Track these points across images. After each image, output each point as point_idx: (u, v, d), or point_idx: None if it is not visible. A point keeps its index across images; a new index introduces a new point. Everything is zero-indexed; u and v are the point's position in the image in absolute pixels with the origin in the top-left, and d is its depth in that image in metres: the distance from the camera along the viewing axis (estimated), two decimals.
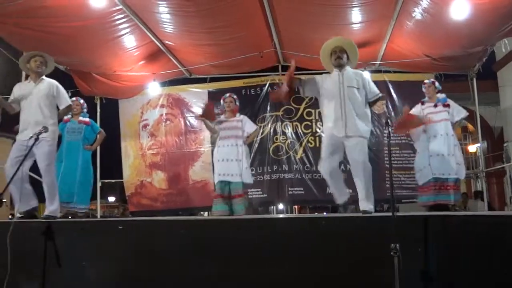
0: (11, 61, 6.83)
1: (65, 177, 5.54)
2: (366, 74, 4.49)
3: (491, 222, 3.12)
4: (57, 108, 4.77)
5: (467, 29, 5.77)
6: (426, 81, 5.71)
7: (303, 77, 4.72)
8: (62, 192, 5.47)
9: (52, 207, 4.51)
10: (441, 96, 5.49)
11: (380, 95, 4.53)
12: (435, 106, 5.38)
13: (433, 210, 5.11)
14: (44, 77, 4.72)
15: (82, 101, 6.08)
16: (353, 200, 4.55)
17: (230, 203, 5.41)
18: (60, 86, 4.74)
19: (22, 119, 4.58)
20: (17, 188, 4.40)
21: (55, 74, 4.98)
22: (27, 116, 4.54)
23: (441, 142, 5.16)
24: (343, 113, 4.21)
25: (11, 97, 4.68)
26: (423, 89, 5.67)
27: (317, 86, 4.46)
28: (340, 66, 4.38)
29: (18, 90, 4.69)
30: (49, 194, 4.55)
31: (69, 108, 4.88)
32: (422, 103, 5.53)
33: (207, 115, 5.60)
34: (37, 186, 5.79)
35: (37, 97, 4.55)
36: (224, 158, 5.39)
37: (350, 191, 4.56)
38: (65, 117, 5.61)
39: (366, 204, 4.14)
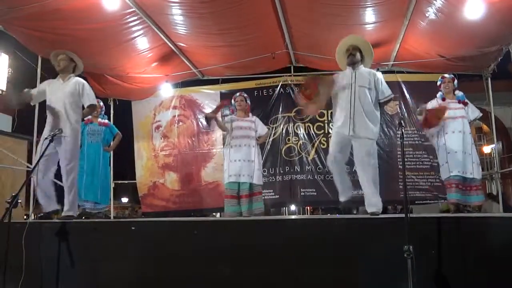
0: (27, 63, 6.93)
1: (89, 177, 5.65)
2: (380, 75, 4.46)
3: (505, 223, 3.08)
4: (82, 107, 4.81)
5: (482, 29, 5.69)
6: (446, 75, 5.47)
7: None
8: (87, 192, 5.58)
9: (70, 208, 4.54)
10: (460, 93, 5.37)
11: (392, 96, 4.50)
12: (456, 102, 5.27)
13: (454, 209, 5.05)
14: (72, 75, 4.76)
15: (101, 103, 6.18)
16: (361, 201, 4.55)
17: (239, 203, 5.38)
18: (87, 85, 4.77)
19: (49, 116, 4.60)
20: (49, 187, 4.50)
21: None
22: (53, 114, 4.56)
23: (459, 139, 5.06)
24: (352, 112, 4.22)
25: (38, 88, 4.74)
26: (439, 83, 5.46)
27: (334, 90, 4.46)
28: (353, 64, 4.38)
29: (45, 85, 4.72)
30: (68, 195, 4.55)
31: (93, 108, 4.89)
32: (443, 100, 5.36)
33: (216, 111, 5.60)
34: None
35: (63, 95, 4.58)
36: (237, 158, 5.35)
37: (361, 191, 4.54)
38: (86, 118, 5.67)
39: (371, 206, 4.13)
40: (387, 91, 4.42)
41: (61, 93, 4.59)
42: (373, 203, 4.12)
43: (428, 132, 5.39)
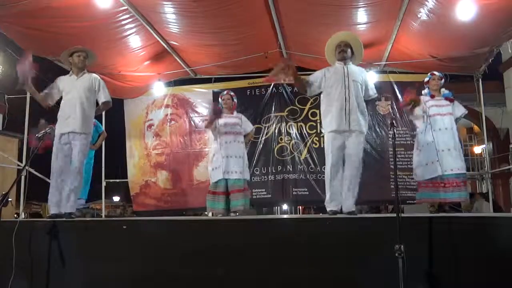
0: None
1: None
2: (368, 74, 4.49)
3: (496, 223, 3.10)
4: (97, 103, 4.78)
5: (473, 30, 5.73)
6: (436, 72, 5.33)
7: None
8: None
9: (72, 204, 4.50)
10: (446, 91, 5.33)
11: (376, 96, 4.60)
12: (443, 99, 5.22)
13: (443, 210, 5.04)
14: (86, 71, 4.73)
15: None
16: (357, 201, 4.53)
17: (228, 200, 5.34)
18: (103, 81, 4.76)
19: (63, 112, 4.56)
20: (60, 187, 4.47)
21: (62, 74, 4.97)
22: (68, 110, 4.53)
23: (448, 136, 5.03)
24: (347, 106, 4.22)
25: (48, 88, 4.65)
26: (427, 79, 5.33)
27: (320, 80, 4.45)
28: (344, 60, 4.40)
29: (59, 82, 4.67)
30: (77, 190, 4.55)
31: (108, 104, 4.86)
32: (432, 96, 5.30)
33: (217, 115, 5.52)
34: (40, 185, 5.78)
35: (79, 91, 4.55)
36: (228, 155, 5.32)
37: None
38: None
39: (352, 205, 4.17)
40: (372, 91, 4.50)
41: (77, 89, 4.57)
42: (352, 203, 4.19)
43: (412, 116, 5.29)
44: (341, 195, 4.30)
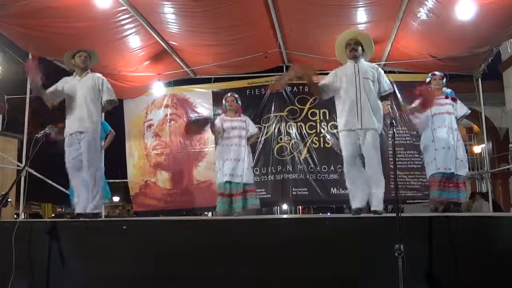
0: (18, 62, 6.87)
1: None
2: (380, 69, 4.43)
3: (496, 223, 3.10)
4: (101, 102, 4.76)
5: (473, 29, 5.74)
6: (436, 73, 5.37)
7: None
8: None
9: (92, 205, 4.51)
10: (448, 90, 5.32)
11: (392, 90, 4.50)
12: (443, 98, 5.22)
13: (442, 207, 5.04)
14: (89, 71, 4.73)
15: None
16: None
17: (231, 202, 5.39)
18: (106, 80, 4.75)
19: (68, 114, 4.57)
20: (80, 187, 4.54)
21: (62, 74, 4.97)
22: (73, 111, 4.54)
23: (445, 134, 5.04)
24: (358, 105, 4.15)
25: (53, 87, 4.62)
26: (429, 79, 5.36)
27: (333, 83, 4.38)
28: (355, 58, 4.35)
29: (64, 83, 4.66)
30: (92, 190, 4.54)
31: (113, 102, 4.83)
32: None
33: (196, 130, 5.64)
34: (40, 185, 5.77)
35: (83, 91, 4.55)
36: (230, 158, 5.35)
37: None
38: None
39: (376, 205, 4.07)
40: (388, 85, 4.39)
41: (81, 89, 4.57)
42: (379, 201, 4.07)
43: (419, 118, 5.26)
44: (364, 191, 4.20)
